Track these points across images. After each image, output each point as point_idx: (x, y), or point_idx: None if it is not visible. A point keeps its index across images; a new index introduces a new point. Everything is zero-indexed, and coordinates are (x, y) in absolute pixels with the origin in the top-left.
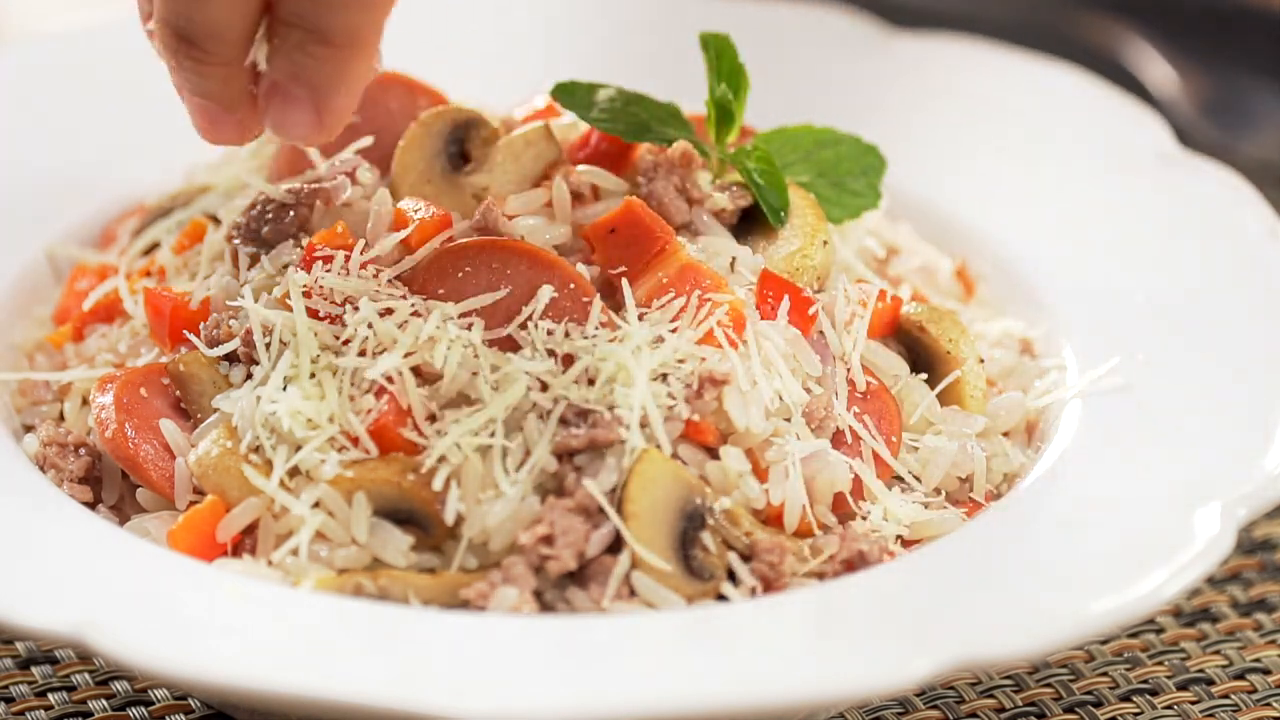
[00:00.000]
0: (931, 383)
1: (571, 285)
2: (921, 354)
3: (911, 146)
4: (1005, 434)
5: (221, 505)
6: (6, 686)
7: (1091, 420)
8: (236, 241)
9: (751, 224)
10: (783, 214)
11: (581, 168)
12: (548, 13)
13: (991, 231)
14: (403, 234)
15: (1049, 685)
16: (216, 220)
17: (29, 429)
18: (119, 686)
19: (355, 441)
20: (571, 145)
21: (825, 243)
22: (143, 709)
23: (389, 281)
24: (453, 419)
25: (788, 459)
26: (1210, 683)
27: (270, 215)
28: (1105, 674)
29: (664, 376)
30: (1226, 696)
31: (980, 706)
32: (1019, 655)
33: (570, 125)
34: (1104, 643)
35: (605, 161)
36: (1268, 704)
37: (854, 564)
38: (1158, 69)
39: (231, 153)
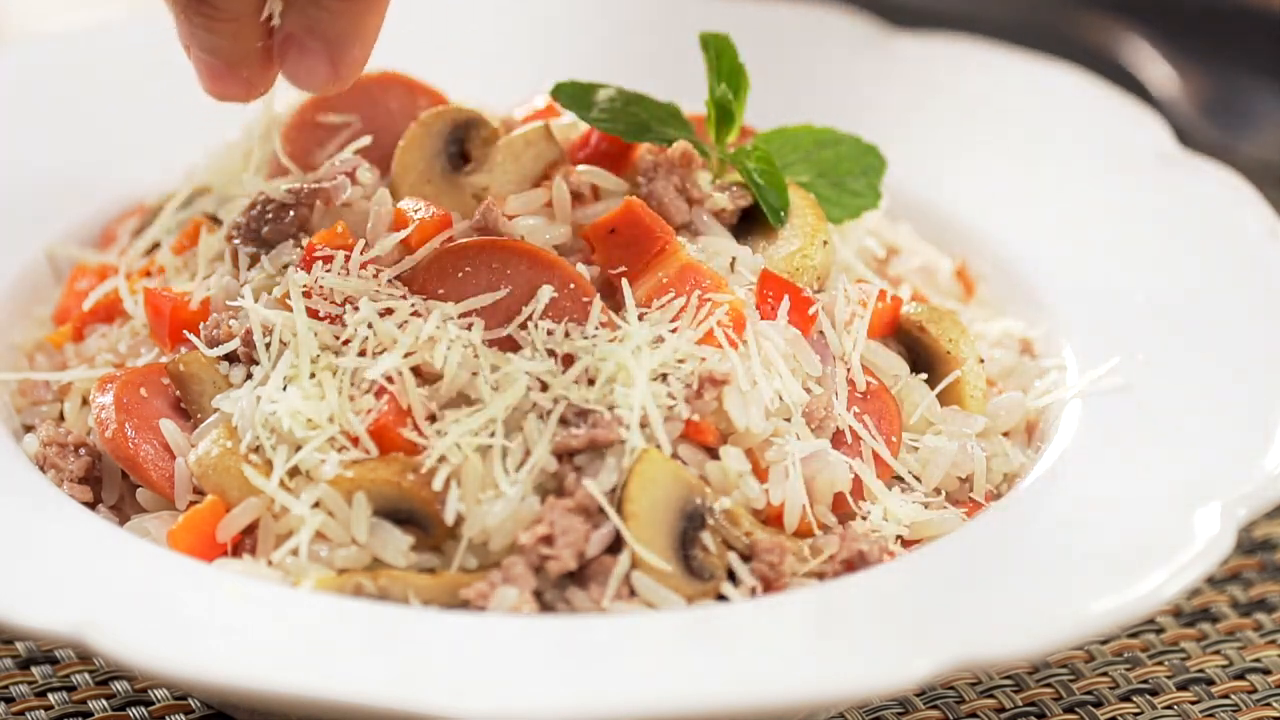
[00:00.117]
0: (931, 383)
1: (571, 285)
2: (921, 354)
3: (911, 146)
4: (1005, 434)
5: (221, 505)
6: (6, 686)
7: (1091, 420)
8: (236, 241)
9: (751, 224)
10: (783, 214)
11: (581, 168)
12: (548, 13)
13: (991, 231)
14: (403, 234)
15: (1049, 685)
16: (217, 220)
17: (29, 429)
18: (119, 686)
19: (355, 441)
20: (571, 145)
21: (825, 243)
22: (143, 709)
23: (389, 281)
24: (453, 419)
25: (788, 459)
26: (1210, 683)
27: (270, 215)
28: (1105, 674)
29: (664, 376)
30: (1226, 696)
31: (980, 706)
32: (1019, 655)
33: (570, 125)
34: (1104, 643)
35: (605, 161)
36: (1268, 704)
37: (854, 564)
38: (1158, 69)
39: (231, 153)
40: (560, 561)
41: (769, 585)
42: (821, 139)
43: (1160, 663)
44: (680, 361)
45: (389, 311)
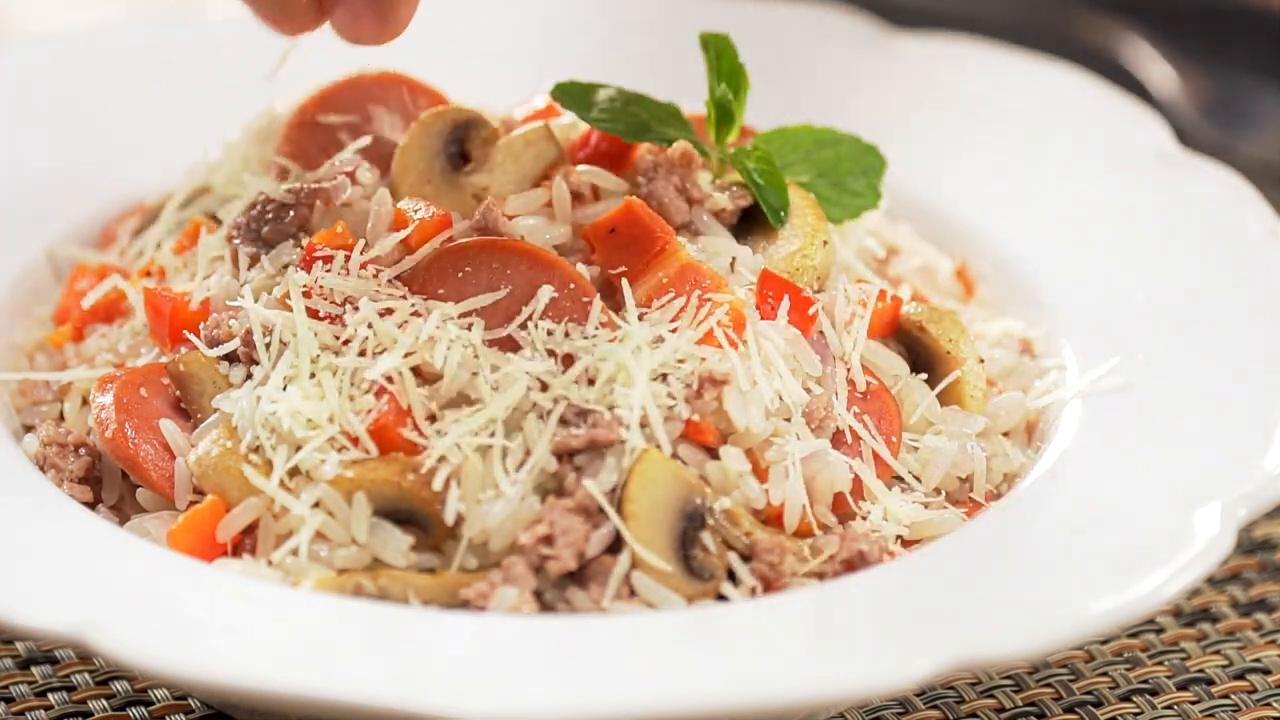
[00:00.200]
0: (931, 383)
1: (571, 285)
2: (921, 354)
3: (911, 146)
4: (1005, 434)
5: (221, 505)
6: (6, 686)
7: (1091, 420)
8: (236, 241)
9: (751, 224)
10: (783, 214)
11: (581, 168)
12: (548, 13)
13: (991, 231)
14: (403, 234)
15: (1049, 685)
16: (217, 220)
17: (29, 429)
18: (119, 686)
19: (355, 441)
20: (571, 145)
21: (825, 243)
22: (143, 709)
23: (389, 281)
24: (453, 419)
25: (788, 459)
26: (1210, 683)
27: (270, 215)
28: (1105, 674)
29: (664, 376)
30: (1226, 696)
31: (980, 706)
32: (1019, 655)
33: (570, 125)
34: (1104, 643)
35: (605, 161)
36: (1268, 704)
37: (854, 564)
38: (1158, 69)
39: (231, 153)
40: (560, 561)
41: (769, 585)
42: (821, 139)
43: (1160, 663)
44: (680, 361)
45: (389, 311)
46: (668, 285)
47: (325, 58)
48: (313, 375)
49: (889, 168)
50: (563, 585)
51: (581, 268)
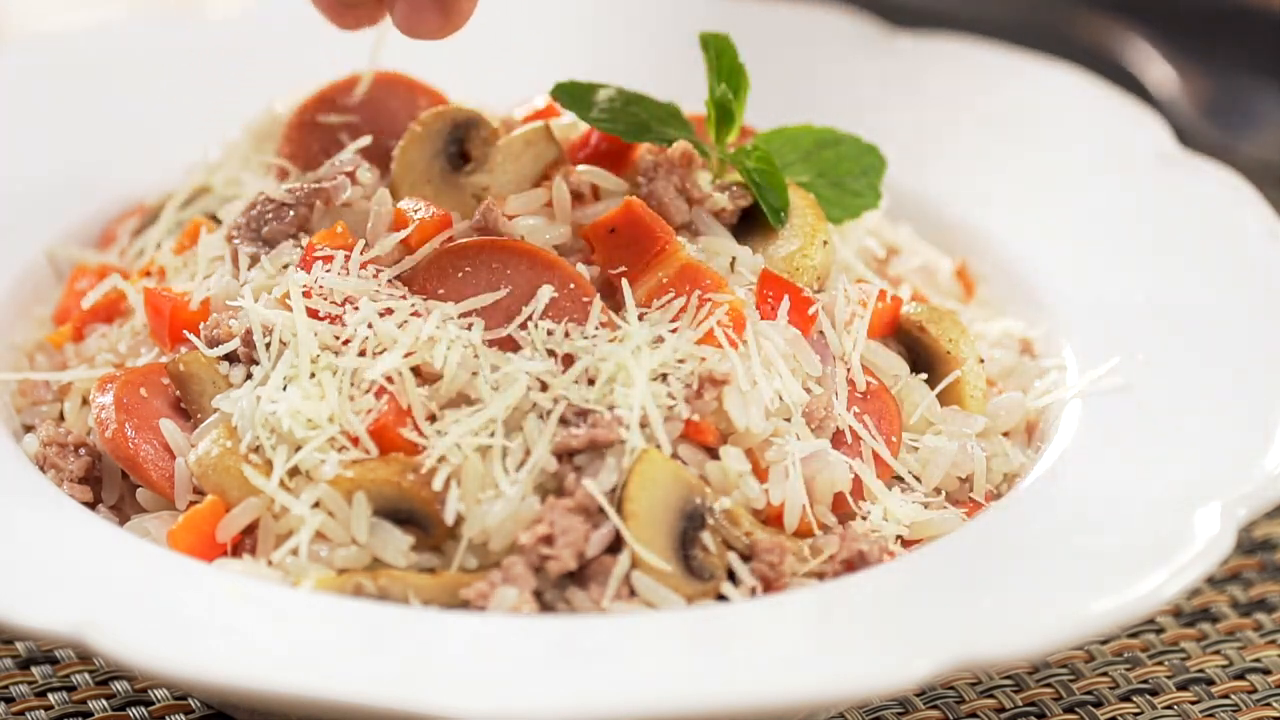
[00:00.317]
0: (931, 383)
1: (571, 285)
2: (921, 354)
3: (911, 146)
4: (1005, 434)
5: (221, 505)
6: (6, 686)
7: (1091, 420)
8: (236, 241)
9: (751, 224)
10: (783, 214)
11: (581, 168)
12: (548, 13)
13: (991, 231)
14: (403, 234)
15: (1049, 685)
16: (217, 220)
17: (29, 429)
18: (119, 686)
19: (355, 441)
20: (571, 145)
21: (825, 243)
22: (143, 709)
23: (389, 281)
24: (453, 419)
25: (788, 459)
26: (1210, 683)
27: (270, 215)
28: (1105, 674)
29: (664, 376)
30: (1226, 696)
31: (980, 706)
32: (1019, 655)
33: (570, 125)
34: (1104, 643)
35: (605, 161)
36: (1268, 704)
37: (854, 564)
38: (1158, 69)
39: (231, 153)
40: (560, 561)
41: (769, 585)
42: (821, 139)
43: (1160, 663)
44: (680, 361)
45: (389, 311)
46: (668, 285)
47: (325, 57)
48: (313, 375)
49: (889, 168)
50: (563, 585)
51: (581, 268)
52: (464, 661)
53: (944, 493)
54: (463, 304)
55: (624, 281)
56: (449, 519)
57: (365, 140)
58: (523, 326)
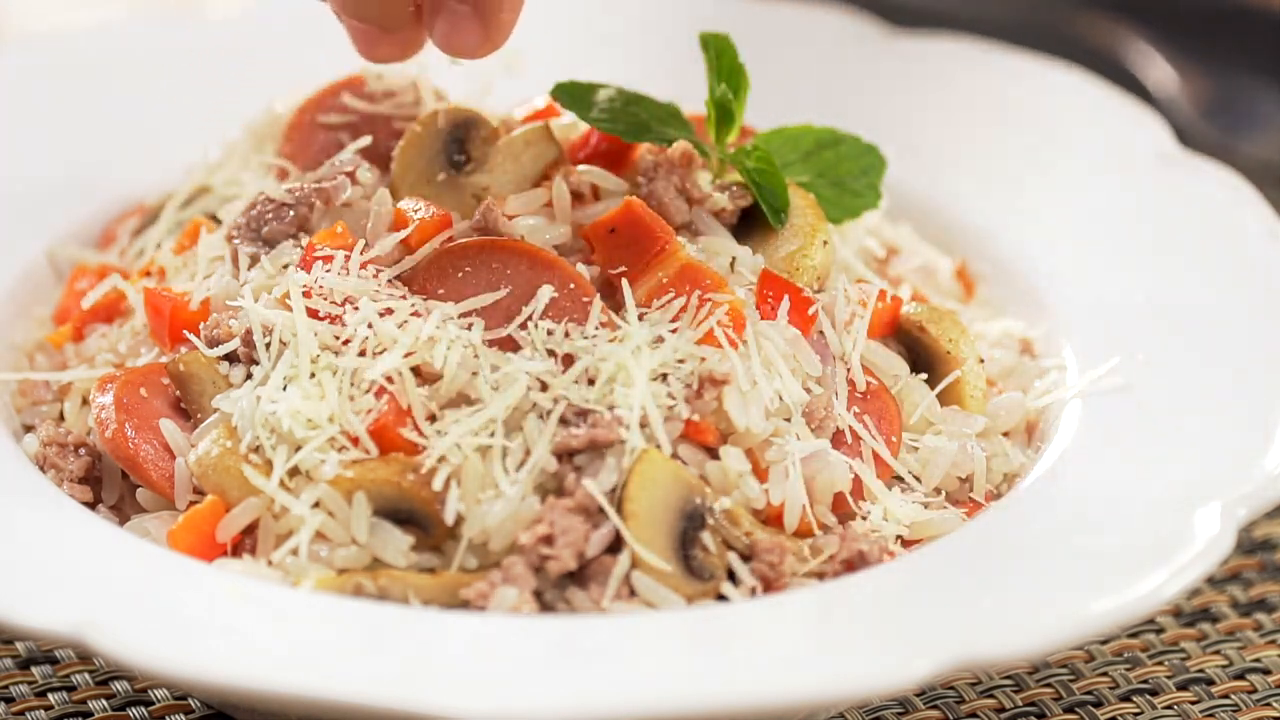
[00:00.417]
0: (931, 383)
1: (571, 285)
2: (921, 354)
3: (911, 146)
4: (1005, 434)
5: (221, 505)
6: (6, 686)
7: (1091, 420)
8: (236, 241)
9: (751, 224)
10: (783, 214)
11: (581, 168)
12: (548, 13)
13: (991, 231)
14: (403, 234)
15: (1049, 685)
16: (217, 220)
17: (29, 429)
18: (119, 686)
19: (355, 441)
20: (571, 145)
21: (825, 243)
22: (143, 709)
23: (389, 281)
24: (453, 419)
25: (788, 459)
26: (1210, 683)
27: (270, 215)
28: (1105, 674)
29: (664, 376)
30: (1226, 696)
31: (980, 706)
32: (1019, 655)
33: (570, 125)
34: (1104, 643)
35: (605, 161)
36: (1268, 704)
37: (854, 564)
38: (1158, 69)
39: (231, 153)
40: (560, 561)
41: (769, 585)
42: (821, 139)
43: (1160, 663)
44: (680, 361)
45: (389, 311)
46: (668, 285)
47: (325, 57)
48: (313, 375)
49: (889, 168)
50: (563, 585)
51: (581, 268)
52: (464, 661)
53: (944, 493)
54: (463, 304)
55: (624, 281)
56: (449, 519)
57: (365, 140)
58: (523, 326)
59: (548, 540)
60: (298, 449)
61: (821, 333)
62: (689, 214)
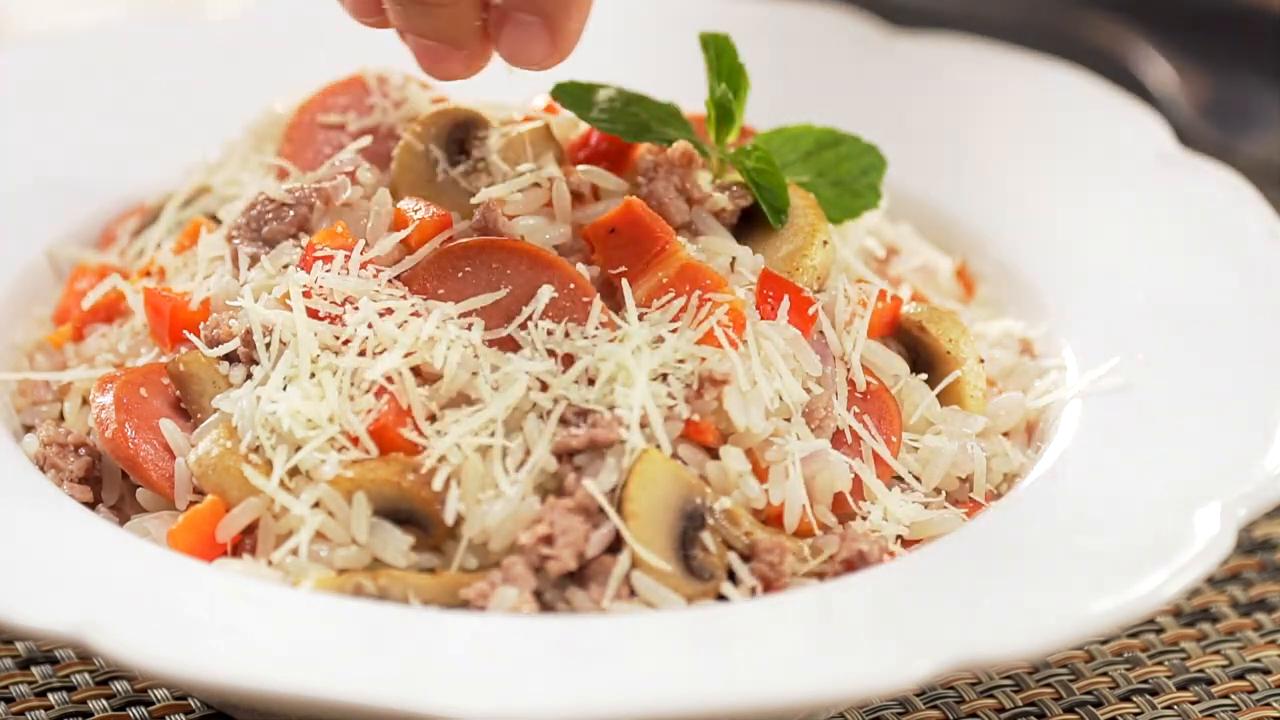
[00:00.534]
0: (931, 383)
1: (571, 285)
2: (921, 354)
3: (911, 146)
4: (1005, 434)
5: (221, 505)
6: (6, 686)
7: (1091, 420)
8: (236, 241)
9: (751, 224)
10: (783, 214)
11: (581, 168)
12: None
13: (991, 231)
14: (403, 234)
15: (1049, 685)
16: (217, 220)
17: (29, 429)
18: (119, 686)
19: (355, 441)
20: (571, 145)
21: (825, 243)
22: (143, 709)
23: (389, 281)
24: (453, 419)
25: (788, 459)
26: (1210, 683)
27: (270, 215)
28: (1105, 674)
29: (664, 376)
30: (1226, 696)
31: (980, 706)
32: (1019, 655)
33: (570, 125)
34: (1104, 643)
35: (605, 161)
36: (1268, 704)
37: (854, 564)
38: (1158, 69)
39: (231, 153)
40: (560, 561)
41: (769, 585)
42: (821, 139)
43: (1160, 663)
44: (680, 361)
45: (389, 311)
46: (668, 285)
47: (325, 57)
48: (313, 375)
49: (889, 168)
50: (563, 585)
51: (581, 268)
52: (464, 661)
53: (944, 493)
54: (463, 304)
55: (624, 281)
56: (449, 519)
57: (365, 140)
58: (523, 326)
59: (548, 540)
60: (298, 449)
61: (821, 333)
62: (689, 214)
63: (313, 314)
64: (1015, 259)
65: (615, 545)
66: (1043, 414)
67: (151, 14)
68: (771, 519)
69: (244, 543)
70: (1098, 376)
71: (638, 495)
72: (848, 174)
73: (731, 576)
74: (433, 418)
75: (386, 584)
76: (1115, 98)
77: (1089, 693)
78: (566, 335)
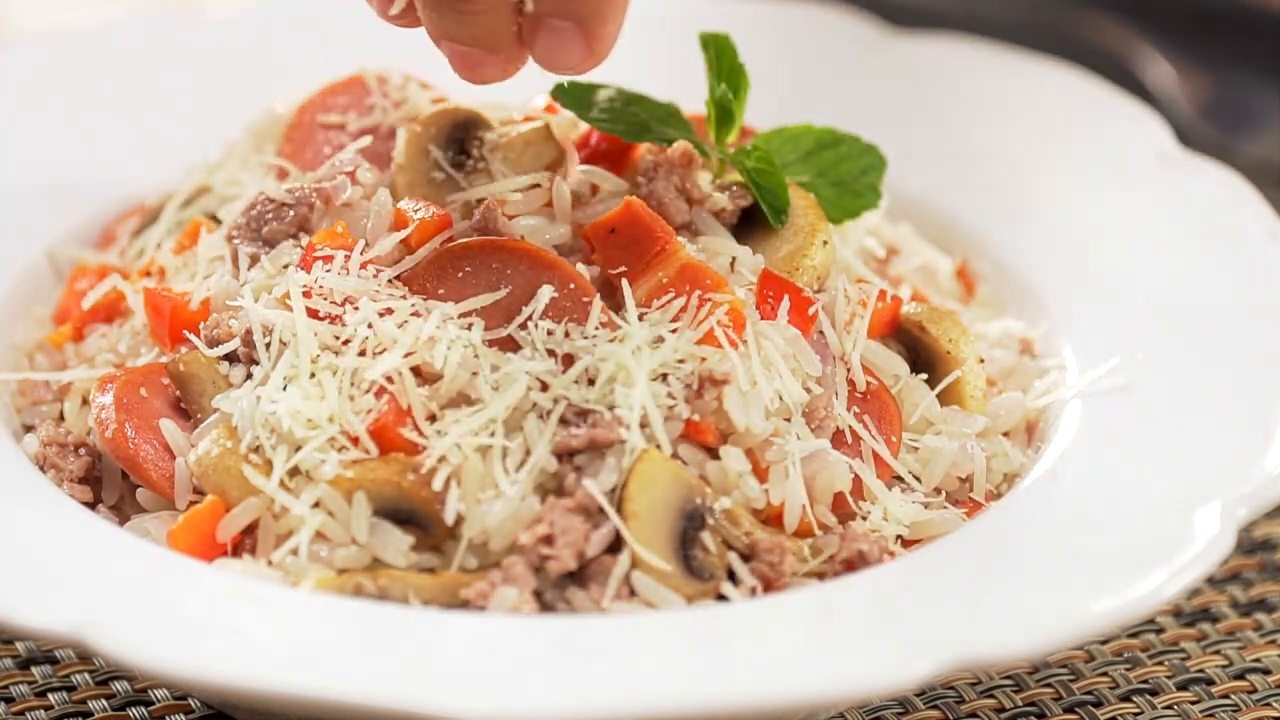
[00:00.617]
0: (931, 383)
1: (571, 285)
2: (921, 354)
3: (911, 146)
4: (1005, 434)
5: (221, 505)
6: (6, 686)
7: (1091, 420)
8: (236, 241)
9: (751, 224)
10: (783, 214)
11: (581, 168)
12: None
13: (991, 231)
14: (403, 234)
15: (1049, 685)
16: (217, 220)
17: (29, 429)
18: (119, 686)
19: (355, 441)
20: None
21: (825, 243)
22: (143, 709)
23: (389, 281)
24: (453, 419)
25: (788, 459)
26: (1210, 683)
27: (270, 215)
28: (1105, 674)
29: (664, 376)
30: (1226, 696)
31: (980, 706)
32: (1019, 655)
33: (570, 125)
34: (1104, 643)
35: (605, 161)
36: (1268, 704)
37: (854, 564)
38: (1158, 69)
39: (231, 153)
40: (560, 561)
41: (769, 585)
42: (821, 139)
43: (1160, 663)
44: (680, 361)
45: (389, 311)
46: (668, 285)
47: (325, 57)
48: (313, 375)
49: (889, 168)
50: (563, 585)
51: (581, 268)
52: (464, 661)
53: (944, 493)
54: (463, 304)
55: (624, 281)
56: (449, 519)
57: (365, 140)
58: (523, 326)
59: (548, 540)
60: (298, 449)
61: (821, 333)
62: (689, 214)
63: (313, 314)
64: (1015, 259)
65: (615, 545)
66: (1043, 414)
67: (151, 14)
68: (771, 519)
69: (244, 543)
70: (1098, 376)
71: (638, 495)
72: (848, 174)
73: (731, 576)
74: (433, 418)
75: (386, 584)
76: (1115, 98)
77: (1089, 693)
78: (566, 335)
